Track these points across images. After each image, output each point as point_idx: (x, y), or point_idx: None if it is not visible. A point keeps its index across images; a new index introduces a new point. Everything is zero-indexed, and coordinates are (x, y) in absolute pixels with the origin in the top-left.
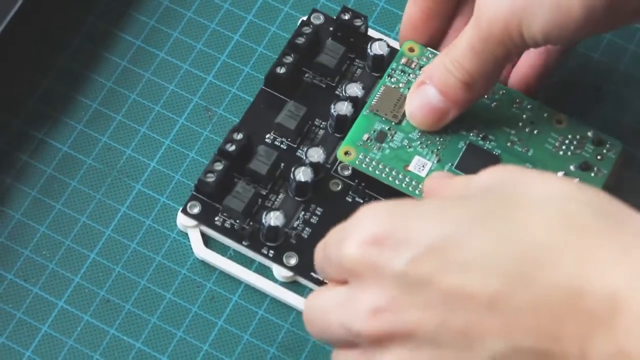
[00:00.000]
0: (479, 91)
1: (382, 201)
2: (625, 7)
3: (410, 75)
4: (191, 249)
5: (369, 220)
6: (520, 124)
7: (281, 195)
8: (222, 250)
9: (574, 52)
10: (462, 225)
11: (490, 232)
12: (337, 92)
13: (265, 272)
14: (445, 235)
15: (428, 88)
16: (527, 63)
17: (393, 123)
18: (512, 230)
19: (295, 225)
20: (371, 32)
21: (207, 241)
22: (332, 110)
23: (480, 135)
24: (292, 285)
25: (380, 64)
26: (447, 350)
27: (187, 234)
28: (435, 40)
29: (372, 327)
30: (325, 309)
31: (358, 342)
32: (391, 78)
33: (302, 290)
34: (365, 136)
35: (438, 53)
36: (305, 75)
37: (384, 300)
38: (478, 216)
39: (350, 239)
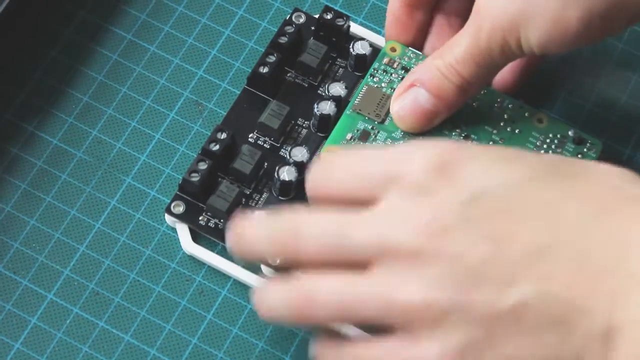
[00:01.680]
0: (472, 94)
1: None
2: (620, 18)
3: (393, 74)
4: (180, 243)
5: (441, 146)
6: (501, 123)
7: (265, 195)
8: (212, 244)
9: None
10: (531, 175)
11: (554, 187)
12: (319, 91)
13: (254, 267)
14: (512, 183)
15: (419, 90)
16: (510, 66)
17: (376, 122)
18: (575, 189)
19: None
20: (361, 30)
21: (197, 236)
22: (315, 110)
23: (463, 135)
24: None
25: (363, 64)
26: (484, 284)
27: (175, 228)
28: (419, 34)
29: (419, 239)
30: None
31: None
32: (374, 77)
33: None
34: (349, 135)
35: (420, 53)
36: (288, 75)
37: (441, 220)
38: (542, 173)
39: (417, 158)
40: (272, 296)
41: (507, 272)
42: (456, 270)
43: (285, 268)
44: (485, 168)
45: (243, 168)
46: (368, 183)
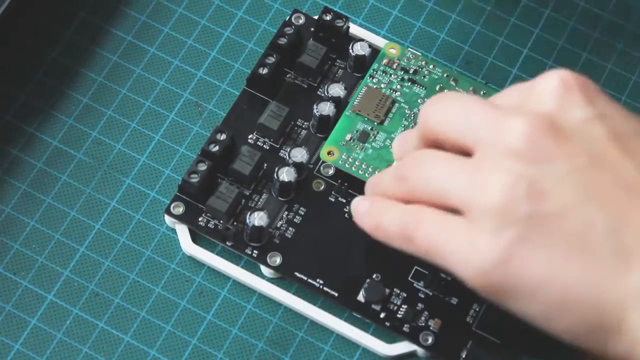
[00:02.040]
0: None
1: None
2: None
3: (392, 75)
4: (180, 244)
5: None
6: None
7: (264, 196)
8: (211, 245)
9: (561, 51)
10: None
11: None
12: (319, 92)
13: (254, 268)
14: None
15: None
16: None
17: (375, 123)
18: None
19: (278, 225)
20: (360, 31)
21: (196, 236)
22: (315, 111)
23: None
24: (279, 281)
25: (362, 65)
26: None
27: (175, 229)
28: None
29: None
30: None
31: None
32: (373, 78)
33: (290, 287)
34: (348, 136)
35: (419, 54)
36: (287, 76)
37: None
38: None
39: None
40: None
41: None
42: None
43: (283, 273)
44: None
45: (242, 169)
46: (477, 132)
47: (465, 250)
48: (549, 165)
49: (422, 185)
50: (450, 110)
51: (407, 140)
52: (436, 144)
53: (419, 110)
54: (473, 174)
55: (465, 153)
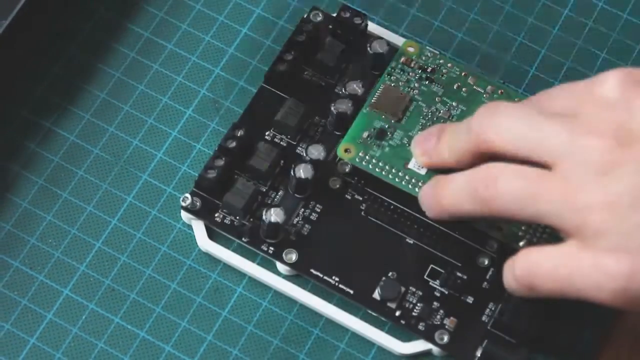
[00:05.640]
0: None
1: None
2: None
3: (410, 73)
4: (195, 240)
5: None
6: None
7: (281, 192)
8: (227, 242)
9: (573, 49)
10: None
11: None
12: (336, 90)
13: (270, 265)
14: None
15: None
16: None
17: (393, 121)
18: None
19: (295, 222)
20: (378, 29)
21: (212, 233)
22: (332, 108)
23: None
24: (295, 278)
25: (380, 62)
26: None
27: (191, 225)
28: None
29: (613, 147)
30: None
31: (573, 158)
32: (391, 76)
33: (305, 284)
34: (365, 134)
35: (437, 52)
36: (305, 73)
37: (631, 130)
38: None
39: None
40: (454, 185)
41: None
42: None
43: (299, 270)
44: None
45: (259, 165)
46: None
47: (591, 273)
48: (638, 174)
49: (511, 206)
50: (513, 127)
51: (457, 147)
52: (492, 156)
53: (469, 120)
54: (567, 193)
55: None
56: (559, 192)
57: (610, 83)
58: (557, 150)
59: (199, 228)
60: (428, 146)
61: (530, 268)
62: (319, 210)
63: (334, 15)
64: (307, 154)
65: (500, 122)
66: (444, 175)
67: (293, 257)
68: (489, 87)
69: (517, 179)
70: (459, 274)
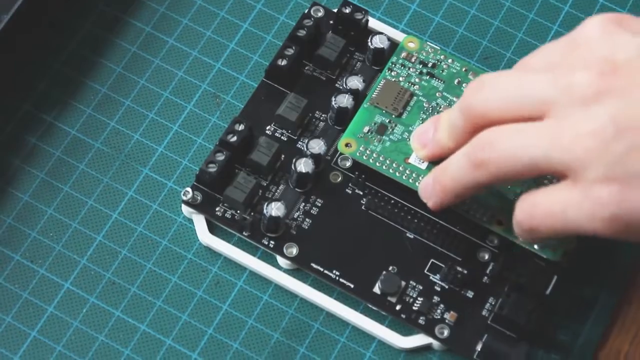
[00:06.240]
0: None
1: None
2: None
3: (410, 69)
4: (196, 234)
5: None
6: None
7: (281, 187)
8: (228, 236)
9: None
10: None
11: None
12: (337, 84)
13: (270, 259)
14: None
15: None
16: None
17: (393, 116)
18: None
19: (295, 216)
20: (379, 24)
21: (213, 227)
22: (333, 103)
23: None
24: (296, 272)
25: (381, 58)
26: None
27: (192, 219)
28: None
29: (594, 81)
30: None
31: (558, 100)
32: (391, 72)
33: (306, 278)
34: (366, 128)
35: (438, 48)
36: (306, 68)
37: (613, 62)
38: None
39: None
40: (452, 163)
41: None
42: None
43: (300, 264)
44: None
45: (260, 159)
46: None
47: (582, 204)
48: (626, 99)
49: (507, 161)
50: (498, 92)
51: (454, 131)
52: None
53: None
54: (555, 133)
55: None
56: (547, 135)
57: (590, 25)
58: (544, 98)
59: (199, 222)
60: (426, 138)
61: (528, 210)
62: (319, 205)
63: (335, 10)
64: (307, 149)
65: (488, 92)
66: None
67: (294, 251)
68: None
69: (509, 134)
70: (459, 269)
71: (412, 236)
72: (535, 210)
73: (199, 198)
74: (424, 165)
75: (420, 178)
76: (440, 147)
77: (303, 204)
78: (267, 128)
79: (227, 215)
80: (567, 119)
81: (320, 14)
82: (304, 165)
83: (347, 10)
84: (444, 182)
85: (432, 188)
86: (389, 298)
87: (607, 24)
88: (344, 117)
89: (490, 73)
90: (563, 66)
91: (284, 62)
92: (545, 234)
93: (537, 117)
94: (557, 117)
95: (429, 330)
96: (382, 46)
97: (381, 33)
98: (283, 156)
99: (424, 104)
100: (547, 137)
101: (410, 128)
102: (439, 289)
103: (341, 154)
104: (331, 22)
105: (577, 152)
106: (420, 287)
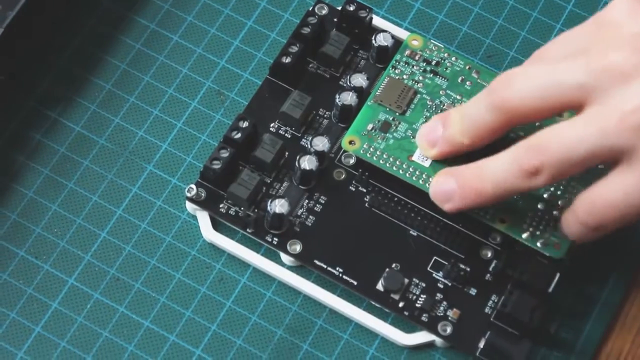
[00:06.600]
0: None
1: None
2: None
3: (414, 66)
4: (200, 230)
5: None
6: None
7: (285, 184)
8: (232, 232)
9: None
10: None
11: None
12: (341, 82)
13: (274, 256)
14: None
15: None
16: None
17: (397, 113)
18: None
19: (299, 213)
20: (383, 22)
21: (217, 223)
22: (337, 100)
23: None
24: (299, 269)
25: (385, 55)
26: None
27: (196, 216)
28: None
29: (631, 59)
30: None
31: (597, 84)
32: (395, 69)
33: (309, 275)
34: (370, 126)
35: (441, 46)
36: (310, 65)
37: None
38: None
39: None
40: (497, 165)
41: None
42: None
43: (303, 261)
44: None
45: (264, 157)
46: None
47: None
48: None
49: (563, 163)
50: (532, 84)
51: (476, 128)
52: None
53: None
54: (605, 119)
55: None
56: (596, 123)
57: (615, 8)
58: (581, 84)
59: (203, 218)
60: (435, 136)
61: (589, 209)
62: (323, 202)
63: (339, 8)
64: (311, 146)
65: (521, 85)
66: (450, 167)
67: (297, 247)
68: None
69: (559, 133)
70: (462, 266)
71: (415, 233)
72: (596, 206)
73: (203, 195)
74: (427, 163)
75: (424, 176)
76: (453, 145)
77: (307, 201)
78: (271, 125)
79: (231, 212)
80: (610, 101)
81: (324, 12)
82: (307, 163)
83: (351, 8)
84: (482, 188)
85: (459, 192)
86: (392, 295)
87: (633, 4)
88: (347, 115)
89: (513, 68)
90: (593, 50)
91: (288, 60)
92: (612, 227)
93: (576, 106)
94: (600, 102)
95: (431, 327)
96: (386, 44)
97: (385, 31)
98: (287, 153)
99: (428, 102)
100: (596, 126)
101: (414, 126)
102: (441, 286)
103: (345, 151)
104: (335, 19)
105: (627, 133)
106: (423, 285)
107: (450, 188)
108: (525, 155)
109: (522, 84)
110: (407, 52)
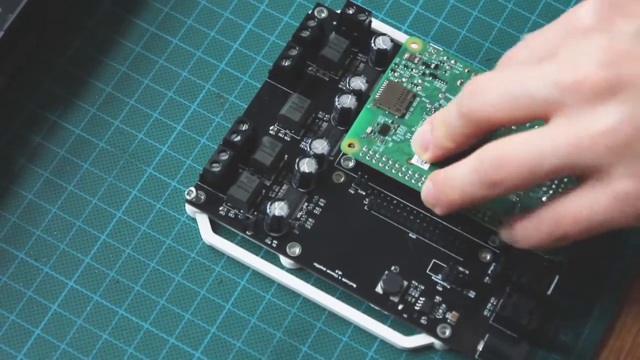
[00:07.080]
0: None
1: None
2: None
3: (413, 70)
4: (200, 233)
5: None
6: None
7: (285, 187)
8: (231, 235)
9: None
10: None
11: None
12: (340, 85)
13: (273, 258)
14: None
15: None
16: None
17: (396, 117)
18: None
19: (298, 216)
20: (382, 25)
21: (216, 226)
22: (336, 103)
23: None
24: (299, 272)
25: (384, 59)
26: None
27: (195, 218)
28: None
29: (602, 75)
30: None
31: (566, 100)
32: (394, 72)
33: (308, 278)
34: (369, 129)
35: (440, 49)
36: (309, 69)
37: (617, 52)
38: None
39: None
40: (459, 173)
41: None
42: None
43: (302, 263)
44: None
45: (264, 159)
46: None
47: (609, 204)
48: (636, 90)
49: (525, 175)
50: (500, 94)
51: (453, 134)
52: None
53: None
54: (575, 136)
55: None
56: (564, 139)
57: (585, 9)
58: (550, 96)
59: (203, 221)
60: (426, 140)
61: (554, 221)
62: (322, 205)
63: (338, 11)
64: (311, 149)
65: (488, 95)
66: (441, 168)
67: (296, 250)
68: None
69: (522, 146)
70: (461, 269)
71: (414, 236)
72: (563, 220)
73: (202, 197)
74: (426, 166)
75: (423, 179)
76: (442, 149)
77: (306, 203)
78: (271, 128)
79: (231, 214)
80: (581, 117)
81: (323, 15)
82: (307, 166)
83: (351, 11)
84: (451, 196)
85: (436, 198)
86: (391, 298)
87: (604, 8)
88: (347, 118)
89: (483, 74)
90: (562, 57)
91: (287, 63)
92: (575, 239)
93: (544, 117)
94: (569, 116)
95: (430, 330)
96: (385, 47)
97: (384, 34)
98: (286, 156)
99: (427, 105)
100: (565, 142)
101: (412, 129)
102: (440, 288)
103: (344, 154)
104: (334, 23)
105: (600, 153)
106: (422, 287)
107: (429, 191)
108: (486, 169)
109: (490, 94)
110: (406, 55)
